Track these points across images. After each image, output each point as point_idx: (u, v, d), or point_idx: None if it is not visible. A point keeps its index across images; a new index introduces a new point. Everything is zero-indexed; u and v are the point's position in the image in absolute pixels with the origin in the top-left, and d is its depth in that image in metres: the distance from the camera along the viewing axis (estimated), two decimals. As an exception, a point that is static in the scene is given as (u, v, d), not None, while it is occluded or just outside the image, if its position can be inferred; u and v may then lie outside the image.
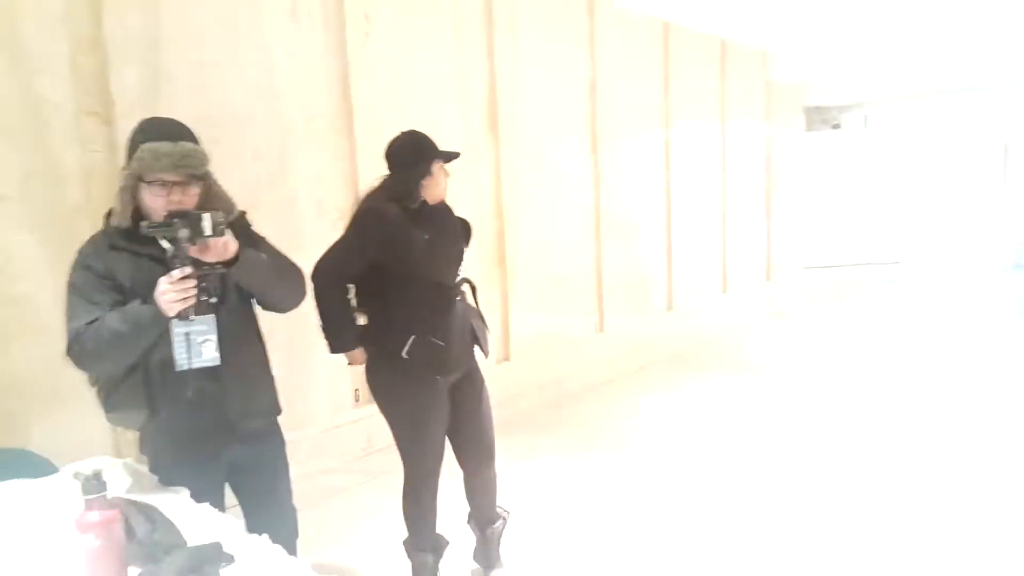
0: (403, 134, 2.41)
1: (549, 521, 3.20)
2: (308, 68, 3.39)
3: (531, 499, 3.40)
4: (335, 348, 2.39)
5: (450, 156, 2.38)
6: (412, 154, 2.36)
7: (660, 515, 3.23)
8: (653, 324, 6.05)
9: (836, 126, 11.79)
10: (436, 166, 2.34)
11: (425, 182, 2.34)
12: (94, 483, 1.30)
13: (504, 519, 2.74)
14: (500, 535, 2.74)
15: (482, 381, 2.58)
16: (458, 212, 2.53)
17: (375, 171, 3.61)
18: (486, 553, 2.73)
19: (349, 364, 2.45)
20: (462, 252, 2.42)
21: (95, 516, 1.29)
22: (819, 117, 11.88)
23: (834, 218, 11.03)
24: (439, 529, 2.61)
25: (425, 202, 2.36)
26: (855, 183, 11.22)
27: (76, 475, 1.33)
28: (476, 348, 2.53)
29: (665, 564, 2.82)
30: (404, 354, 2.30)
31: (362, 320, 2.40)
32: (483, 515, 2.69)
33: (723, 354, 6.34)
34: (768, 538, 2.98)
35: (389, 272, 2.32)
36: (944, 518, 3.07)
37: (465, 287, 2.47)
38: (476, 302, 2.54)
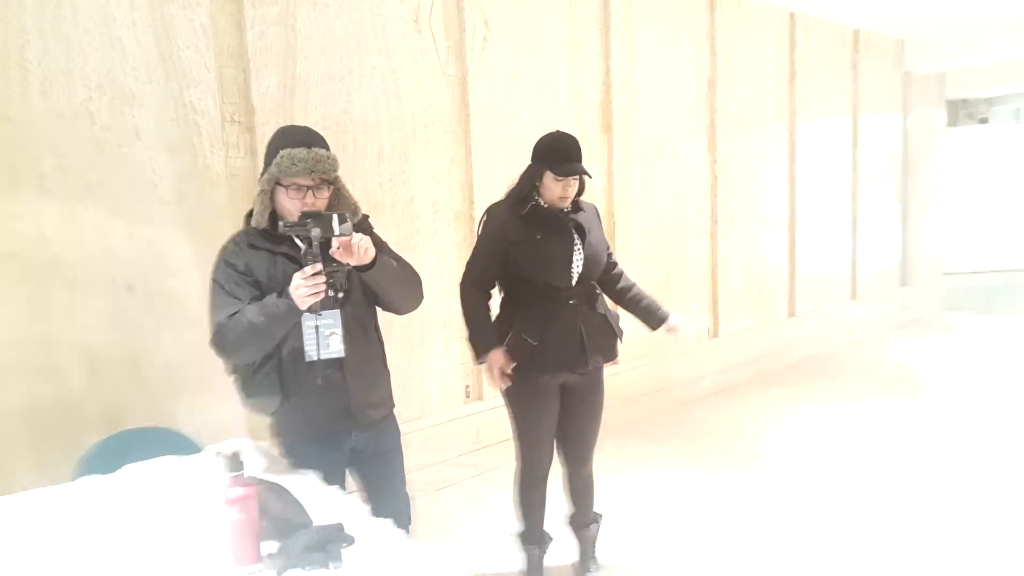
0: (547, 134, 2.40)
1: (647, 528, 3.14)
2: (429, 74, 3.51)
3: (634, 506, 3.35)
4: (478, 352, 2.45)
5: (567, 174, 2.31)
6: (537, 155, 2.39)
7: (770, 539, 3.08)
8: (773, 331, 5.79)
9: (983, 120, 10.80)
10: (549, 177, 2.32)
11: (539, 185, 2.37)
12: (234, 462, 1.42)
13: (598, 523, 2.75)
14: (595, 538, 2.75)
15: (597, 387, 2.56)
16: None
17: (489, 174, 3.73)
18: (583, 556, 2.75)
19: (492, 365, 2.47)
20: (571, 255, 2.38)
21: (235, 492, 1.40)
22: (964, 111, 10.93)
23: (979, 219, 10.11)
24: (547, 526, 2.66)
25: (538, 204, 2.38)
26: (1004, 182, 10.23)
27: (218, 454, 1.45)
28: (594, 355, 2.46)
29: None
30: (504, 347, 2.38)
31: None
32: (579, 517, 2.71)
33: (851, 365, 5.93)
34: None
35: (507, 271, 2.43)
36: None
37: (593, 292, 2.46)
38: (605, 307, 2.51)
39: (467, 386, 3.76)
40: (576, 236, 2.41)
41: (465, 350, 3.70)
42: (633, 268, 4.65)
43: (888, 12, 5.92)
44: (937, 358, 6.03)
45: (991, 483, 3.49)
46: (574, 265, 2.39)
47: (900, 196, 7.28)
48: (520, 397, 2.47)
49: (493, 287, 2.49)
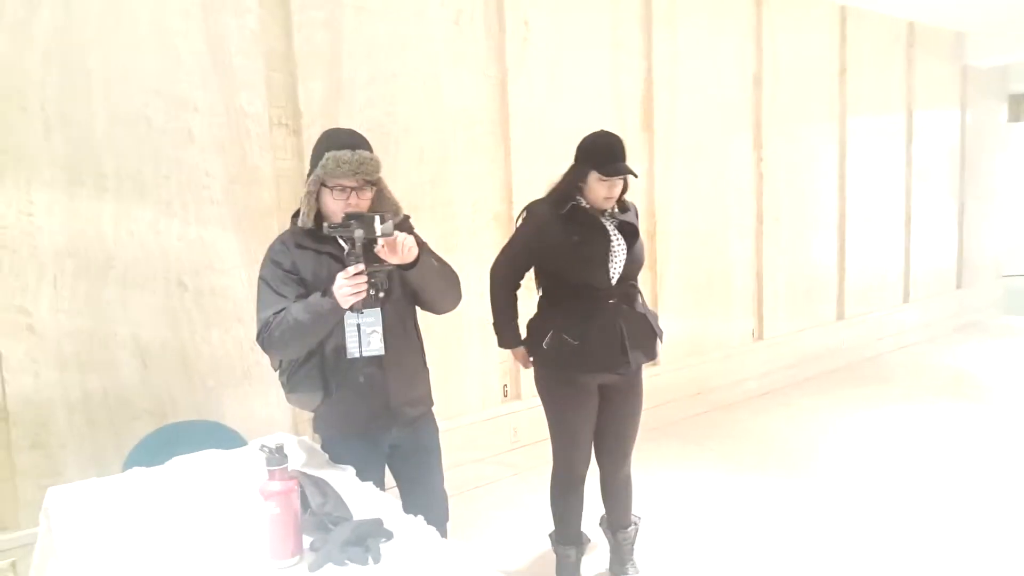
0: (592, 133, 2.40)
1: (685, 532, 3.11)
2: (470, 74, 3.53)
3: (672, 509, 3.32)
4: (500, 343, 2.57)
5: (613, 173, 2.31)
6: (580, 156, 2.38)
7: (810, 546, 3.01)
8: (820, 333, 5.66)
9: (1049, 114, 10.34)
10: (594, 177, 2.32)
11: (583, 185, 2.36)
12: (277, 456, 1.46)
13: (636, 525, 2.72)
14: (633, 541, 2.72)
15: (636, 388, 2.54)
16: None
17: (528, 174, 3.74)
18: (619, 559, 2.73)
19: (515, 360, 2.59)
20: (608, 256, 2.36)
21: (277, 486, 1.44)
22: (1028, 105, 10.49)
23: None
24: (584, 528, 2.65)
25: (577, 205, 2.37)
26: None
27: (262, 448, 1.49)
28: (636, 355, 2.44)
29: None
30: (543, 345, 2.41)
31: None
32: (616, 519, 2.69)
33: (902, 369, 5.76)
34: None
35: (544, 270, 2.45)
36: None
37: (632, 292, 2.45)
38: (644, 306, 2.50)
39: (505, 385, 3.78)
40: (619, 236, 2.40)
41: (504, 351, 3.74)
42: (674, 269, 4.64)
43: (945, 4, 5.72)
44: (994, 363, 5.81)
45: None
46: (612, 266, 2.38)
47: (957, 194, 7.02)
48: (559, 398, 2.47)
49: (521, 280, 2.52)
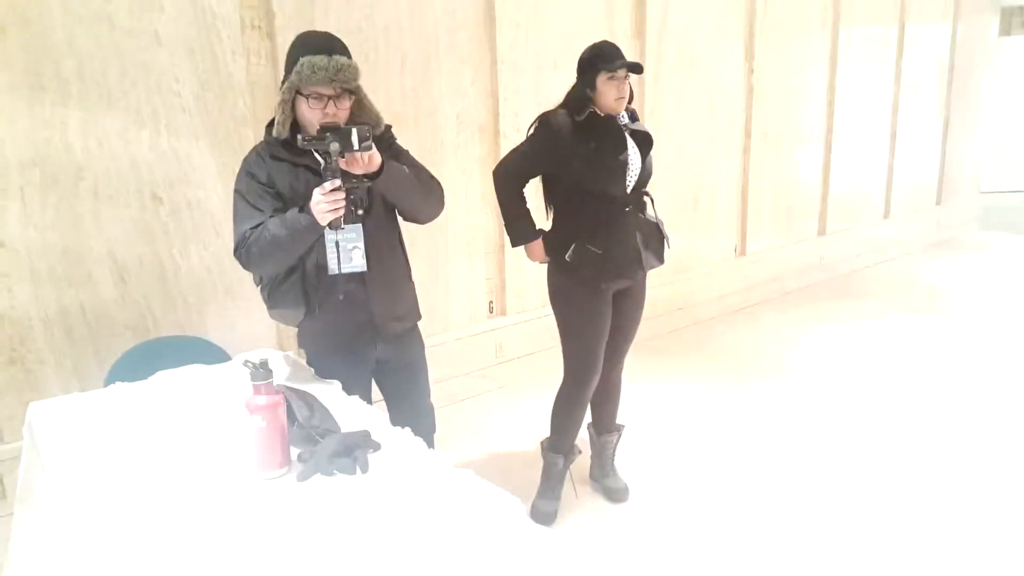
0: (587, 47, 2.39)
1: (665, 441, 3.21)
2: (453, -25, 3.35)
3: (651, 419, 3.42)
4: (513, 241, 2.54)
5: (619, 66, 2.30)
6: (584, 64, 2.37)
7: (786, 455, 3.13)
8: (801, 249, 5.70)
9: (1041, 28, 10.15)
10: (602, 78, 2.31)
11: (592, 93, 2.35)
12: (261, 371, 1.44)
13: (619, 432, 2.81)
14: (615, 447, 2.82)
15: (643, 291, 2.63)
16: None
17: (515, 84, 3.61)
18: (601, 464, 2.82)
19: (530, 259, 2.55)
20: (626, 164, 2.37)
21: (262, 400, 1.44)
22: (1019, 19, 10.26)
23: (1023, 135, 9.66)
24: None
25: (595, 112, 2.36)
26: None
27: (246, 363, 1.48)
28: (648, 259, 2.51)
29: (787, 505, 2.76)
30: (567, 258, 2.41)
31: (547, 225, 2.53)
32: (602, 422, 2.78)
33: (879, 284, 5.86)
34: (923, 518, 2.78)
35: (560, 181, 2.44)
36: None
37: (644, 199, 2.47)
38: (655, 214, 2.52)
39: (490, 301, 3.78)
40: (635, 144, 2.41)
41: (489, 266, 3.73)
42: (660, 184, 4.56)
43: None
44: (967, 278, 5.94)
45: (1010, 405, 3.48)
46: (629, 173, 2.39)
47: (943, 110, 6.96)
48: (580, 309, 2.50)
49: (525, 186, 2.49)
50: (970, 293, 5.50)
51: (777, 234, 5.47)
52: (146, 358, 2.20)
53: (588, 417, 2.77)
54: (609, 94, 2.33)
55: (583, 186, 2.39)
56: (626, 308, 2.58)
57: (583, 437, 2.74)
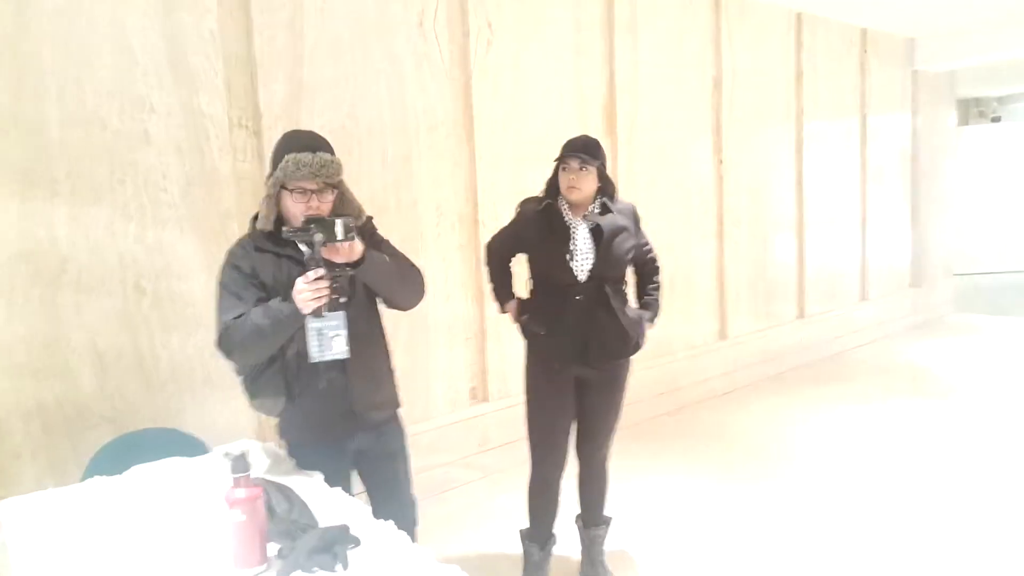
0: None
1: (653, 532, 3.14)
2: (433, 78, 3.52)
3: (639, 509, 3.35)
4: (498, 307, 2.70)
5: (566, 156, 2.40)
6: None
7: (777, 544, 3.07)
8: (782, 333, 5.77)
9: (996, 119, 10.73)
10: (561, 168, 2.44)
11: (557, 180, 2.46)
12: (241, 463, 1.43)
13: (607, 525, 2.76)
14: (603, 541, 2.75)
15: (615, 383, 2.58)
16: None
17: (493, 177, 3.75)
18: (590, 559, 2.75)
19: (513, 320, 2.66)
20: (571, 255, 2.40)
21: (241, 493, 1.42)
22: (976, 109, 10.86)
23: (992, 219, 10.03)
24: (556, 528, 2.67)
25: (552, 204, 2.47)
26: (1017, 181, 10.14)
27: (225, 455, 1.47)
28: (596, 353, 2.48)
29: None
30: (521, 331, 2.55)
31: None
32: (589, 514, 2.73)
33: (861, 367, 5.90)
34: None
35: (529, 260, 2.57)
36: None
37: (606, 291, 2.45)
38: (622, 307, 2.51)
39: (472, 387, 3.77)
40: (588, 236, 2.43)
41: (471, 352, 3.74)
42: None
43: (896, 11, 5.89)
44: (948, 359, 6.00)
45: (1000, 484, 3.47)
46: (575, 264, 2.42)
47: (910, 196, 7.23)
48: (537, 387, 2.56)
49: (509, 262, 2.67)
50: (952, 375, 5.55)
51: (757, 317, 5.55)
52: (124, 451, 2.16)
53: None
54: (563, 183, 2.44)
55: (534, 270, 2.55)
56: (591, 398, 2.56)
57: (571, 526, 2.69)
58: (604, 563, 2.75)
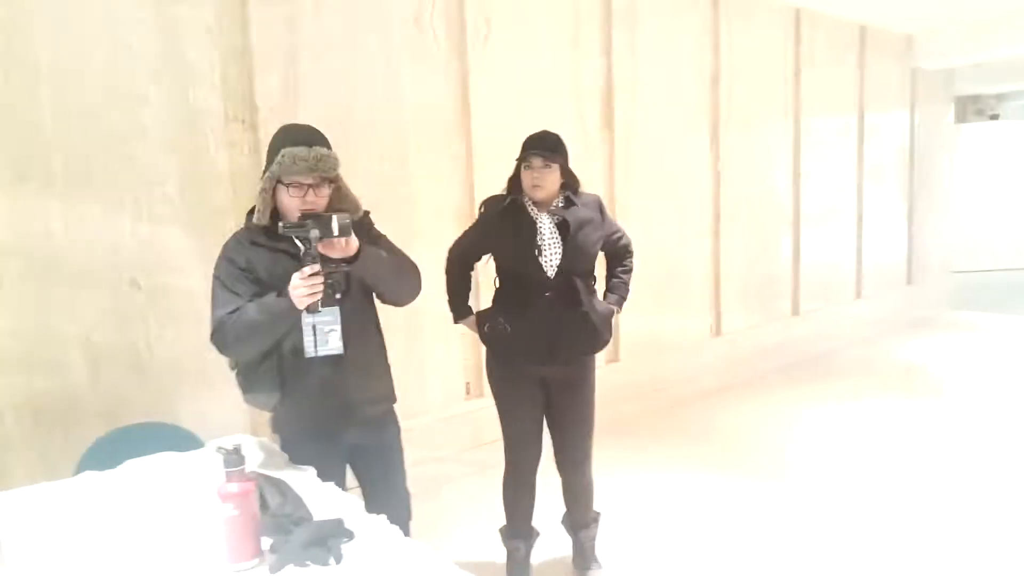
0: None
1: (645, 527, 3.15)
2: (430, 73, 3.52)
3: (631, 505, 3.35)
4: (454, 318, 2.65)
5: (527, 155, 2.37)
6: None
7: (769, 539, 3.08)
8: (776, 329, 5.78)
9: (994, 116, 10.74)
10: (522, 167, 2.41)
11: (520, 178, 2.43)
12: (234, 458, 1.43)
13: (596, 523, 2.74)
14: (593, 539, 2.75)
15: (583, 382, 2.55)
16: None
17: (491, 172, 3.73)
18: (582, 555, 2.75)
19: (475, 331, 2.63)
20: (539, 250, 2.38)
21: (234, 487, 1.42)
22: (974, 107, 10.87)
23: (989, 217, 10.05)
24: (535, 522, 2.67)
25: (516, 200, 2.43)
26: (1014, 178, 10.16)
27: (219, 450, 1.47)
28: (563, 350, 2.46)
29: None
30: (485, 329, 2.50)
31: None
32: (576, 519, 2.71)
33: (855, 364, 5.90)
34: None
35: (495, 260, 2.55)
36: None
37: (576, 286, 2.43)
38: (591, 303, 2.50)
39: (467, 383, 3.78)
40: (555, 230, 2.41)
41: (466, 347, 3.74)
42: (633, 265, 4.66)
43: (895, 7, 5.89)
44: (943, 357, 6.01)
45: (996, 482, 3.48)
46: (544, 259, 2.39)
47: (907, 193, 7.25)
48: (502, 388, 2.55)
49: (471, 268, 2.63)
50: (947, 372, 5.56)
51: (751, 314, 5.56)
52: (117, 445, 2.16)
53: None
54: (525, 181, 2.41)
55: (501, 267, 2.52)
56: (561, 398, 2.53)
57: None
58: (597, 558, 2.75)
